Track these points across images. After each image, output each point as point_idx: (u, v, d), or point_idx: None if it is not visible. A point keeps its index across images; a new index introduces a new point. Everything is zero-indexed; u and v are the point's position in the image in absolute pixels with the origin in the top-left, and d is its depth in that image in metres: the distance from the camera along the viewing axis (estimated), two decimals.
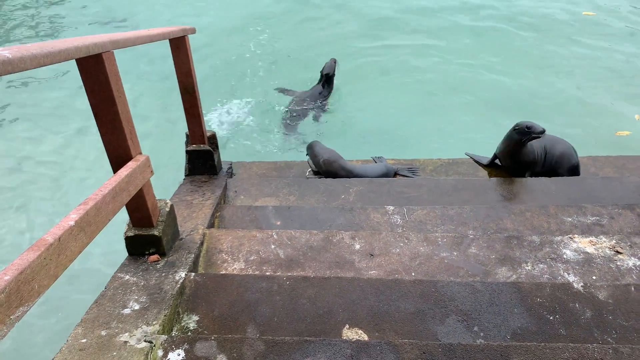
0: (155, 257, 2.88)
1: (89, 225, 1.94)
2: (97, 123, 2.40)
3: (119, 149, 2.47)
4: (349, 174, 4.52)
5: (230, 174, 4.71)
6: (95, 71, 2.25)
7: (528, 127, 4.18)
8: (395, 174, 4.68)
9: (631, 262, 3.09)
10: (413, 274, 3.03)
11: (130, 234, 2.84)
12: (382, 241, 3.26)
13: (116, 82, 2.34)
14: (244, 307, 2.59)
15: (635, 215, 3.67)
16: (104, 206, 2.08)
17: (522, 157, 4.43)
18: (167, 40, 3.42)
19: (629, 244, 3.20)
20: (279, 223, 3.70)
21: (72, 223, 1.81)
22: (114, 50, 2.30)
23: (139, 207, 2.73)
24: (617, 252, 3.15)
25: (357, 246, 3.23)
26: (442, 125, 6.44)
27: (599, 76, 7.45)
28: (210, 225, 3.59)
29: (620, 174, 4.59)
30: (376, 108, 6.96)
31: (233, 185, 4.36)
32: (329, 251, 3.18)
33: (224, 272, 3.05)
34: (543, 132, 4.14)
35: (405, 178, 4.56)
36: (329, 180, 4.41)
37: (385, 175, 4.56)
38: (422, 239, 3.25)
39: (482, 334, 2.45)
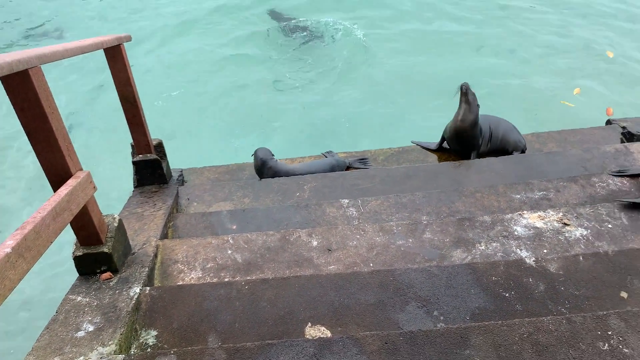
0: (107, 274, 2.78)
1: (28, 251, 1.85)
2: (30, 142, 2.30)
3: (56, 167, 2.37)
4: (287, 175, 4.46)
5: (182, 181, 4.61)
6: (23, 89, 2.15)
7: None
8: (348, 168, 4.69)
9: (578, 232, 3.20)
10: (371, 264, 3.06)
11: (79, 253, 2.74)
12: (339, 235, 3.27)
13: (47, 98, 2.24)
14: (203, 317, 2.54)
15: (579, 187, 3.82)
16: (44, 229, 1.99)
17: (469, 136, 4.54)
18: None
19: (575, 215, 3.32)
20: (234, 227, 3.66)
21: (9, 250, 1.72)
22: (41, 65, 2.20)
23: (84, 225, 2.63)
24: (565, 224, 3.27)
25: (315, 243, 3.22)
26: (391, 115, 6.51)
27: (536, 53, 7.68)
28: (164, 236, 3.51)
29: (562, 148, 4.76)
30: (327, 103, 6.97)
31: (185, 192, 4.28)
32: (287, 250, 3.16)
33: (181, 282, 2.99)
34: (463, 85, 4.44)
35: (358, 170, 4.58)
36: (283, 179, 4.38)
37: (334, 169, 4.56)
38: (377, 230, 3.28)
39: (442, 318, 2.49)
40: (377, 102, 6.72)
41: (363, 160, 4.77)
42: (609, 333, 2.15)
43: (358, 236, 3.25)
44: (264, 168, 4.45)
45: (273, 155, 4.56)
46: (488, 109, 5.05)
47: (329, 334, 2.44)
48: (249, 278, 2.91)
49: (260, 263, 3.07)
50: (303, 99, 7.00)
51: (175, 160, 5.00)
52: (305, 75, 7.49)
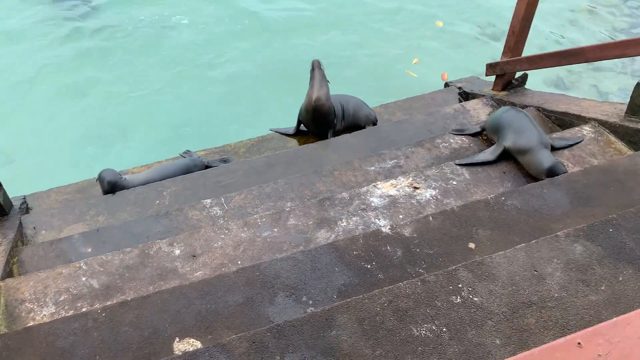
0: None
1: None
2: None
3: None
4: (125, 187, 4.15)
5: (25, 209, 4.17)
6: None
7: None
8: (207, 166, 4.55)
9: (428, 193, 3.41)
10: (239, 262, 3.00)
11: None
12: (203, 238, 3.16)
13: None
14: (57, 357, 2.31)
15: (425, 150, 4.06)
16: None
17: (324, 113, 4.62)
18: None
19: (423, 177, 3.52)
20: (89, 250, 3.38)
21: None
22: None
23: None
24: (415, 187, 3.46)
25: (177, 251, 3.08)
26: (247, 105, 6.42)
27: (376, 28, 7.97)
28: (7, 274, 3.15)
29: (409, 115, 5.03)
30: (181, 103, 6.70)
31: (30, 221, 3.86)
32: (148, 265, 2.98)
33: (31, 323, 2.69)
34: (315, 62, 4.58)
35: (219, 167, 4.46)
36: (139, 188, 4.13)
37: (191, 170, 4.38)
38: (242, 225, 3.22)
39: (311, 302, 2.51)
40: (231, 95, 6.60)
41: (222, 158, 4.66)
42: (460, 286, 2.30)
43: (223, 236, 3.17)
44: (116, 191, 4.10)
45: (120, 173, 4.21)
46: (338, 87, 5.18)
47: (199, 344, 2.35)
48: (109, 303, 2.70)
49: (120, 285, 2.87)
50: (151, 100, 6.66)
51: (18, 187, 4.51)
52: (145, 74, 7.11)
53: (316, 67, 4.66)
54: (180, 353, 2.23)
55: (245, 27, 7.97)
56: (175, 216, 3.62)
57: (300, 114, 4.83)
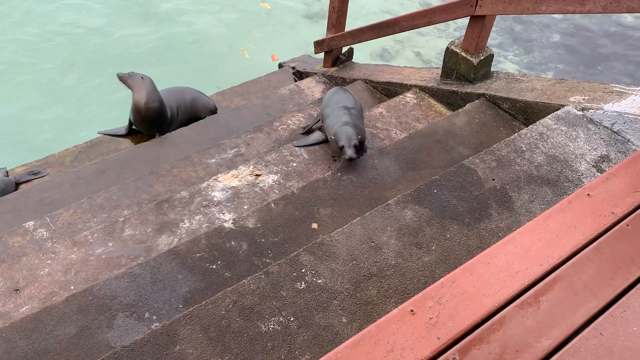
0: None
1: None
2: None
3: None
4: None
5: None
6: None
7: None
8: (17, 185, 4.03)
9: (270, 179, 3.37)
10: (72, 287, 2.70)
11: None
12: (25, 268, 2.79)
13: None
14: None
15: (265, 135, 4.01)
16: None
17: (155, 117, 4.34)
18: None
19: (264, 164, 3.47)
20: None
21: None
22: None
23: None
24: (257, 175, 3.39)
25: None
26: (68, 111, 5.82)
27: (203, 16, 7.65)
28: None
29: (247, 100, 4.94)
30: None
31: None
32: None
33: None
34: (118, 75, 4.30)
35: (43, 182, 3.99)
36: None
37: (4, 192, 3.86)
38: (70, 245, 2.90)
39: (154, 317, 2.34)
40: (45, 98, 5.91)
41: (33, 171, 4.15)
42: (303, 271, 2.30)
43: (49, 261, 2.83)
44: None
45: None
46: (171, 82, 4.90)
47: None
48: None
49: None
50: None
51: None
52: None
53: (121, 77, 4.31)
54: None
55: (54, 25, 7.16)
56: None
57: (131, 115, 4.48)
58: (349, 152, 3.03)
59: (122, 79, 4.30)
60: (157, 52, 6.71)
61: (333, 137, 3.19)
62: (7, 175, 4.16)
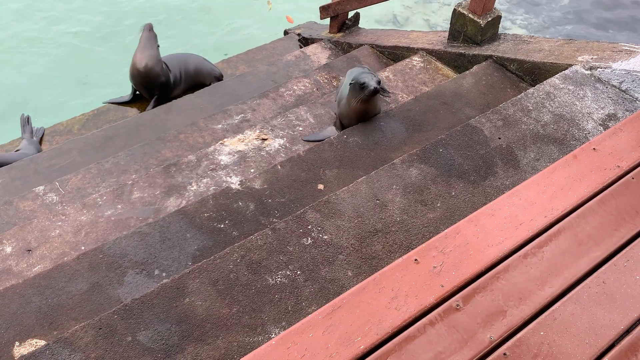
0: None
1: None
2: None
3: None
4: None
5: None
6: None
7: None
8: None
9: (276, 143, 3.38)
10: (83, 247, 2.75)
11: None
12: (37, 229, 2.84)
13: None
14: None
15: (271, 101, 4.01)
16: None
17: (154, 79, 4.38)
18: None
19: (270, 128, 3.48)
20: None
21: None
22: None
23: None
24: (263, 139, 3.40)
25: (9, 249, 2.75)
26: (71, 80, 5.81)
27: None
28: None
29: (252, 67, 4.91)
30: None
31: None
32: None
33: None
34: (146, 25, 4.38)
35: (52, 149, 4.02)
36: None
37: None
38: (80, 208, 2.94)
39: (164, 274, 2.39)
40: (51, 69, 5.91)
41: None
42: (309, 227, 2.32)
43: (60, 223, 2.88)
44: None
45: None
46: (177, 48, 4.89)
47: (43, 343, 2.13)
48: None
49: None
50: None
51: None
52: None
53: (146, 29, 4.35)
54: (21, 356, 2.01)
55: None
56: (3, 211, 3.21)
57: (131, 79, 4.50)
58: (373, 83, 2.96)
59: (143, 30, 4.39)
60: (169, 23, 6.65)
61: (353, 82, 3.08)
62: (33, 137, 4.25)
